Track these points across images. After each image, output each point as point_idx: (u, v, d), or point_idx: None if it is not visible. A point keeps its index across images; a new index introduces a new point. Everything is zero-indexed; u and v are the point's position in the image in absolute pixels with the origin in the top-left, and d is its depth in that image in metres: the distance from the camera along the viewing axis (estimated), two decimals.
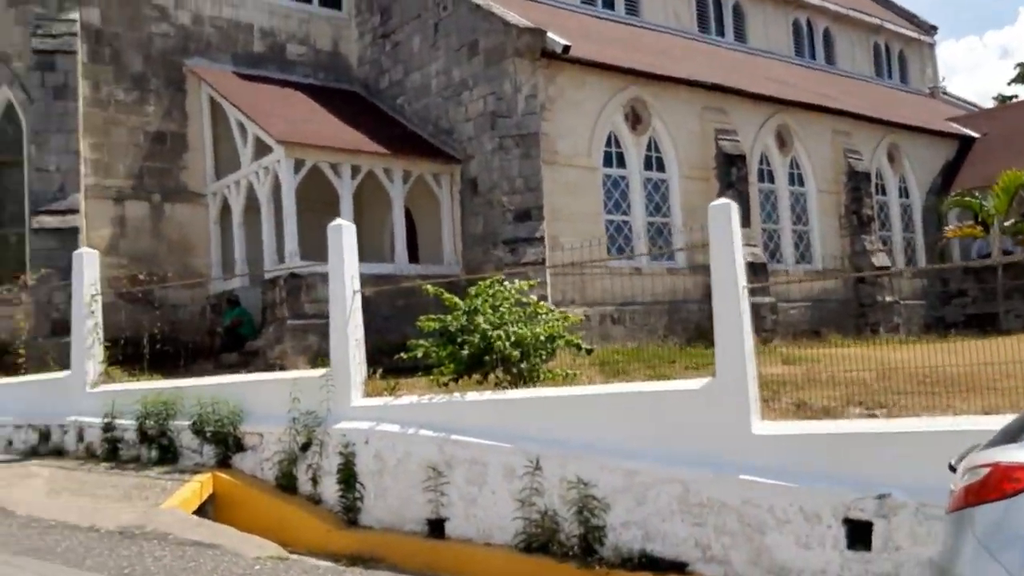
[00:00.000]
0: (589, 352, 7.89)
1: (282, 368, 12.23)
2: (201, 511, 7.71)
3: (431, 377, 7.90)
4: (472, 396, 7.13)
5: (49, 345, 12.07)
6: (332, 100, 16.33)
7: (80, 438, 9.34)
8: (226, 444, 8.35)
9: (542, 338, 7.43)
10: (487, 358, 7.32)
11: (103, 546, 6.09)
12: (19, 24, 14.37)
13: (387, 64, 16.91)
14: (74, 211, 13.86)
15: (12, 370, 11.61)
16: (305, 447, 7.85)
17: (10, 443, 9.94)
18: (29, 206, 14.13)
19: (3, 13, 14.43)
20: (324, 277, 13.59)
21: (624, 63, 15.46)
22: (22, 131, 14.50)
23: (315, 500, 7.78)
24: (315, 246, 14.05)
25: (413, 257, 15.40)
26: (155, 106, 15.34)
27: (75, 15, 14.39)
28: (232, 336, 14.33)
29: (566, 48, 13.94)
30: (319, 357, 12.47)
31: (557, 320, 7.69)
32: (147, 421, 8.74)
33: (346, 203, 14.00)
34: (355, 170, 14.32)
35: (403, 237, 14.97)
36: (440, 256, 15.37)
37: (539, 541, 6.42)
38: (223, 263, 15.65)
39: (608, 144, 15.23)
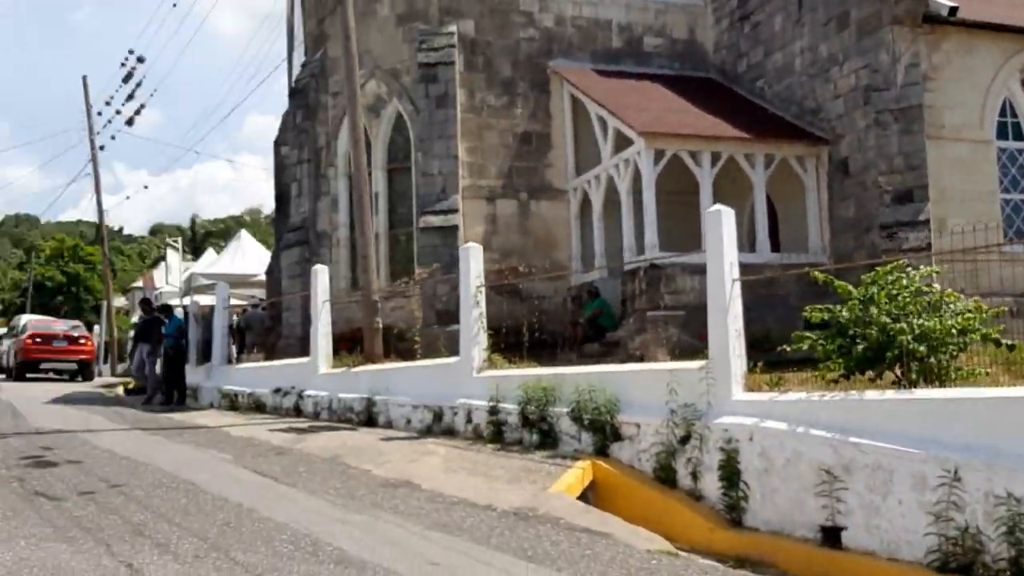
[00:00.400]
0: (1011, 348, 6.85)
1: (642, 359, 12.26)
2: (582, 497, 7.84)
3: (817, 372, 7.36)
4: (872, 395, 6.49)
5: (437, 332, 13.22)
6: (689, 88, 16.11)
7: (468, 420, 10.02)
8: (603, 433, 8.44)
9: (954, 332, 6.58)
10: (888, 354, 6.62)
11: (503, 526, 6.39)
12: (406, 41, 15.90)
13: (745, 47, 16.32)
14: (454, 211, 15.04)
15: (408, 355, 12.84)
16: (684, 440, 7.68)
17: (408, 421, 10.94)
18: (416, 207, 15.60)
19: (393, 33, 16.07)
20: (684, 268, 13.52)
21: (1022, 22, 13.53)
22: (410, 140, 16.04)
23: (695, 496, 7.58)
24: (672, 237, 14.00)
25: (774, 245, 14.74)
26: (522, 108, 16.18)
27: (453, 28, 15.62)
28: (593, 327, 14.68)
29: (953, 10, 12.48)
30: (679, 349, 12.33)
31: (971, 312, 6.77)
32: (528, 406, 9.13)
33: (706, 191, 13.74)
34: (715, 157, 14.01)
35: (765, 225, 14.39)
36: (804, 244, 14.55)
37: (958, 562, 5.66)
38: (583, 256, 16.13)
39: (1003, 114, 13.47)
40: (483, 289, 10.49)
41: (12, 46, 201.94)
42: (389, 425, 11.26)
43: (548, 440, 8.98)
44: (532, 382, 9.25)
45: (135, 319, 25.16)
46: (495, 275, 14.15)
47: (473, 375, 10.19)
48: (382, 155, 16.44)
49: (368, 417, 11.63)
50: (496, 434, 9.55)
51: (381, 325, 12.85)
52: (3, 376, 27.70)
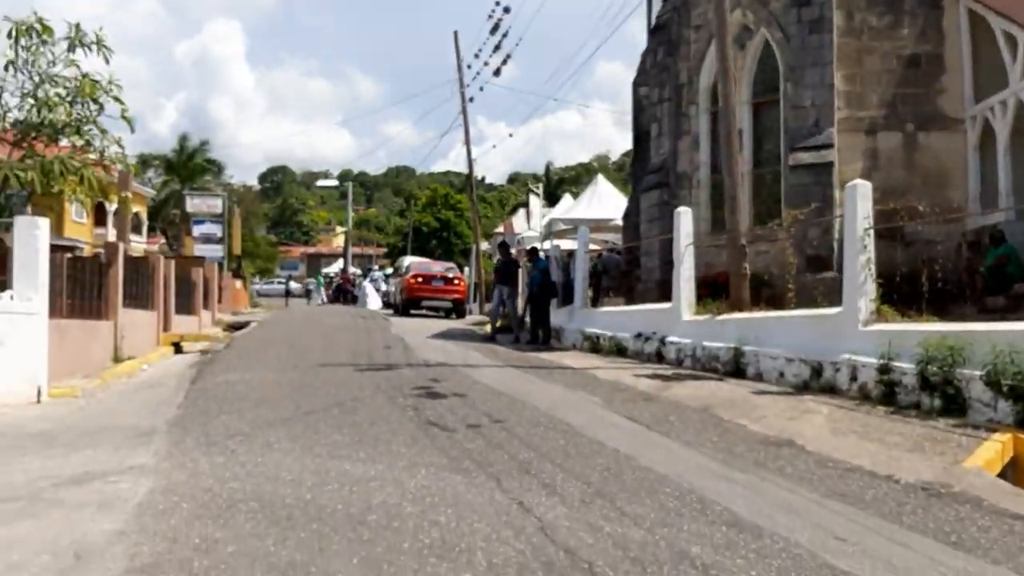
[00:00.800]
0: None
1: None
2: (1001, 475, 6.71)
3: None
4: None
5: (808, 280, 12.24)
6: None
7: (853, 377, 9.08)
8: None
9: None
10: None
11: (912, 502, 5.58)
12: None
13: None
14: (828, 146, 13.79)
15: (775, 303, 12.05)
16: None
17: (781, 375, 10.21)
18: (784, 144, 14.53)
19: None
20: None
21: None
22: (778, 71, 14.92)
23: None
24: None
25: None
26: (908, 28, 14.34)
27: None
28: (996, 276, 12.73)
29: None
30: None
31: None
32: (929, 367, 8.01)
33: None
34: None
35: None
36: None
37: None
38: (982, 195, 14.03)
39: None
40: (871, 232, 9.41)
41: (390, 11, 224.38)
42: (758, 377, 10.61)
43: (953, 406, 7.83)
44: (934, 339, 8.09)
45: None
46: (876, 217, 12.75)
47: (859, 328, 9.20)
48: (747, 89, 15.46)
49: (735, 368, 11.07)
50: (887, 395, 8.54)
51: (749, 271, 12.14)
52: (391, 311, 30.98)
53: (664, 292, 14.62)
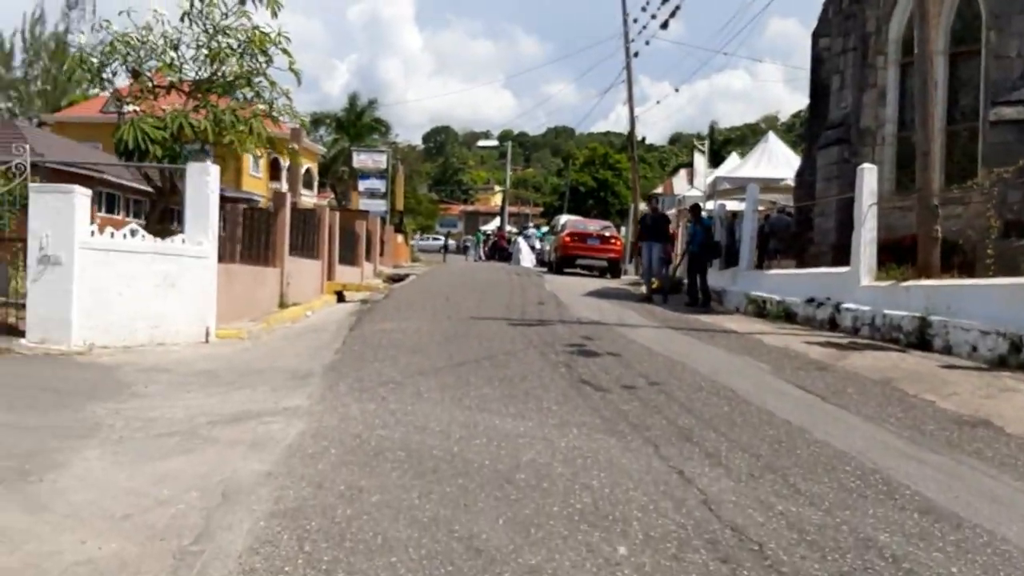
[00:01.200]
0: None
1: None
2: None
3: None
4: None
5: (1008, 247, 10.99)
6: None
7: None
8: None
9: None
10: None
11: None
12: None
13: None
14: None
15: (966, 270, 10.91)
16: None
17: (974, 349, 9.19)
18: (984, 98, 13.09)
19: None
20: None
21: None
22: (979, 18, 13.42)
23: None
24: None
25: None
26: None
27: None
28: None
29: None
30: None
31: None
32: None
33: None
34: None
35: None
36: None
37: None
38: None
39: None
40: None
41: None
42: (946, 350, 9.60)
43: None
44: None
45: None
46: None
47: None
48: (943, 38, 13.99)
49: (919, 339, 10.07)
50: None
51: (940, 234, 11.01)
52: (545, 269, 30.84)
53: (839, 256, 13.60)
